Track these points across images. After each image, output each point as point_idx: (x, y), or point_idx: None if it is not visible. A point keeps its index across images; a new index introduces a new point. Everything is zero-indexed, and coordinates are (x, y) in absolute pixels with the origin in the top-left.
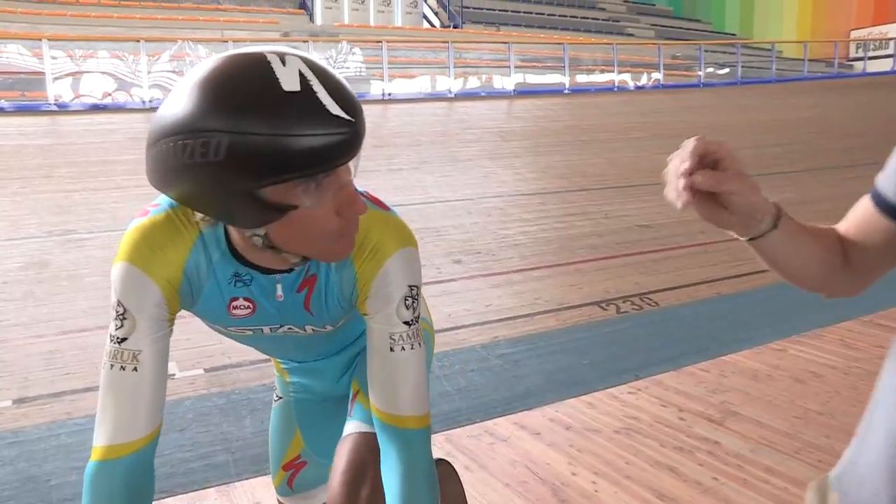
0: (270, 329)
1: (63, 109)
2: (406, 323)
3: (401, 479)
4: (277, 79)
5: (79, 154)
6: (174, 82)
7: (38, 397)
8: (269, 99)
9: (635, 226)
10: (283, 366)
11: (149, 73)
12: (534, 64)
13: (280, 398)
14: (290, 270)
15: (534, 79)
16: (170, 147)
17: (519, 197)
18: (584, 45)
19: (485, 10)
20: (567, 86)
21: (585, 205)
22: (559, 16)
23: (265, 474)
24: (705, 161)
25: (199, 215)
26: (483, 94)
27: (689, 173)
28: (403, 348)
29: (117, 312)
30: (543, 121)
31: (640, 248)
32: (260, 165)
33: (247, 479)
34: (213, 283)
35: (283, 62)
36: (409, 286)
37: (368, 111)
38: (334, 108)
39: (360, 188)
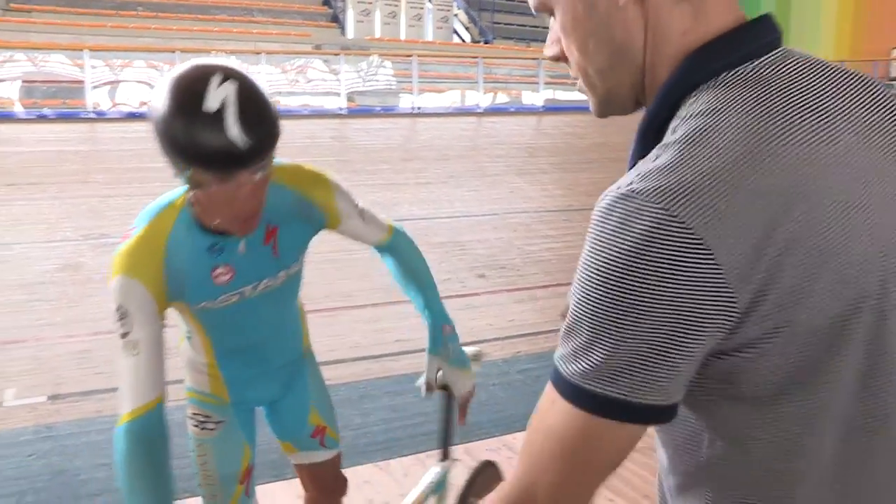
0: (252, 288)
1: (101, 117)
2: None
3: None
4: (204, 97)
5: (115, 161)
6: None
7: (70, 395)
8: (190, 111)
9: None
10: (224, 377)
11: None
12: (562, 80)
13: (219, 422)
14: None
15: (563, 95)
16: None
17: (545, 213)
18: None
19: (515, 27)
20: None
21: None
22: None
23: (285, 478)
24: None
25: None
26: (512, 109)
27: None
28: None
29: (119, 315)
30: (571, 137)
31: None
32: (174, 154)
33: (266, 483)
34: (194, 261)
35: (221, 83)
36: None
37: (397, 124)
38: (232, 132)
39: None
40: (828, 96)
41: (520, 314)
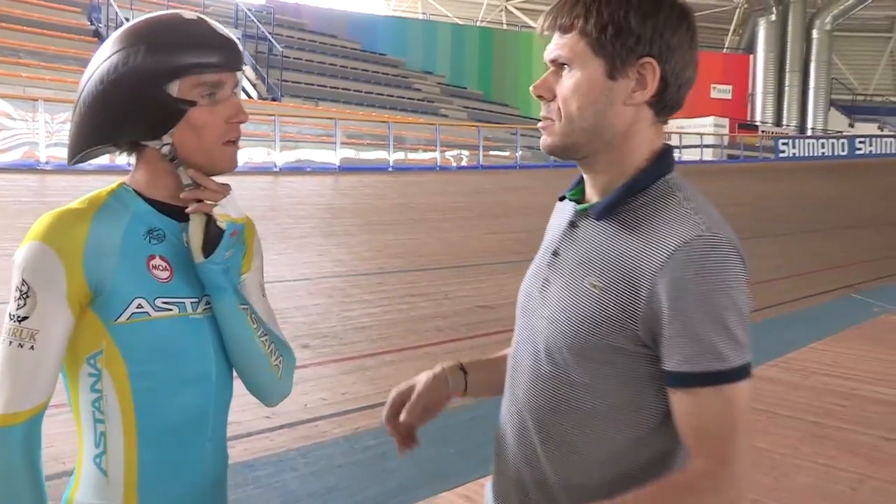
0: (192, 305)
1: None
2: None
3: None
4: (180, 14)
5: None
6: None
7: None
8: (174, 21)
9: (476, 307)
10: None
11: None
12: (354, 140)
13: None
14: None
15: (357, 155)
16: (95, 75)
17: (358, 277)
18: (404, 124)
19: (303, 85)
20: (391, 163)
21: (425, 285)
22: (376, 94)
23: None
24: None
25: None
26: (308, 168)
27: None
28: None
29: (21, 292)
30: (371, 198)
31: (484, 329)
32: (169, 61)
33: None
34: (127, 243)
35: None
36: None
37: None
38: (219, 28)
39: None
40: None
41: (352, 386)
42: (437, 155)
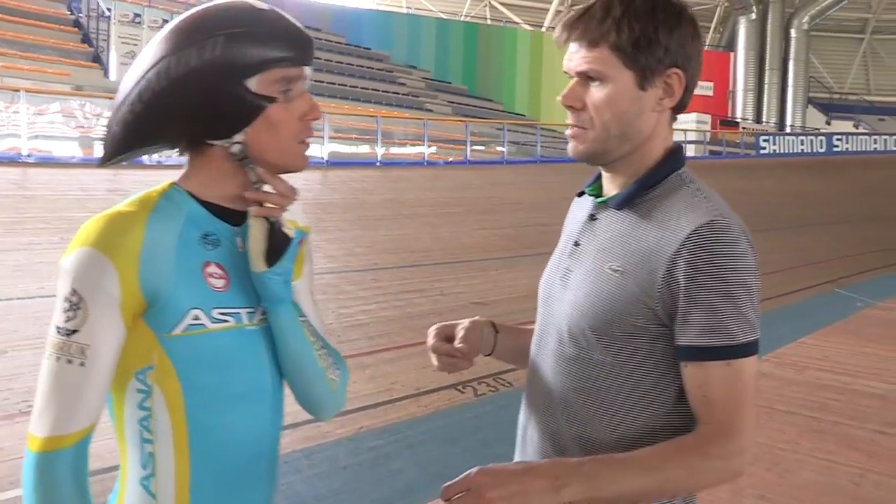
0: (248, 316)
1: None
2: None
3: None
4: (250, 3)
5: None
6: None
7: None
8: (251, 11)
9: (471, 303)
10: None
11: None
12: (341, 135)
13: None
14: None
15: (344, 149)
16: (157, 68)
17: (352, 273)
18: (390, 119)
19: None
20: (379, 158)
21: (419, 282)
22: (361, 88)
23: None
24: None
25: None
26: None
27: (437, 350)
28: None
29: (70, 303)
30: (361, 193)
31: None
32: (252, 54)
33: None
34: (182, 247)
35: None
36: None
37: (176, 177)
38: (295, 22)
39: None
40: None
41: (352, 385)
42: (424, 150)
